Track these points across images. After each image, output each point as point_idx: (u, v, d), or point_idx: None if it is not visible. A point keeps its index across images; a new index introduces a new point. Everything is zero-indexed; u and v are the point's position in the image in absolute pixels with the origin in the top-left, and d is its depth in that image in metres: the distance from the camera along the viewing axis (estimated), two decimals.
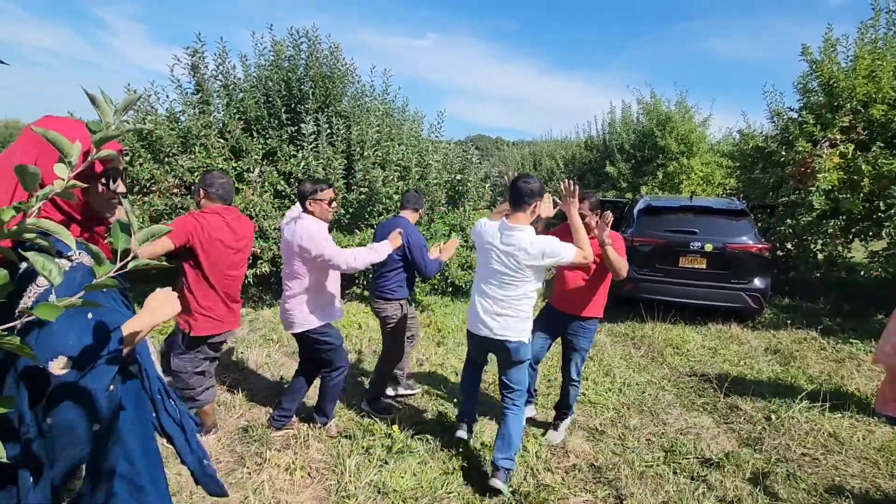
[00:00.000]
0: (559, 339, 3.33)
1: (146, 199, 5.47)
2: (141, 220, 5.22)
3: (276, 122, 6.56)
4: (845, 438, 3.36)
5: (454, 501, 2.55)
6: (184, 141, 5.97)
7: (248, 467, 2.76)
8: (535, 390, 3.71)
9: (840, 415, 3.63)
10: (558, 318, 3.23)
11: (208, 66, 6.55)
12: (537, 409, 3.69)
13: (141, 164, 5.58)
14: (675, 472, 2.92)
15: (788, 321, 6.09)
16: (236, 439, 3.03)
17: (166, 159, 5.74)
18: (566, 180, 2.73)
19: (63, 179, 1.01)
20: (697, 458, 3.10)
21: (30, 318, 0.77)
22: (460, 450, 3.01)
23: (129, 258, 0.92)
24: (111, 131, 1.03)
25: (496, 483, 2.56)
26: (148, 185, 5.55)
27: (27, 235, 0.99)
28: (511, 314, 2.58)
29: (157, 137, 5.71)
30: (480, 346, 2.79)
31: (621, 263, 2.94)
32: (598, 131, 18.06)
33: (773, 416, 3.65)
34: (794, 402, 3.76)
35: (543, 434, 3.31)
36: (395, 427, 3.15)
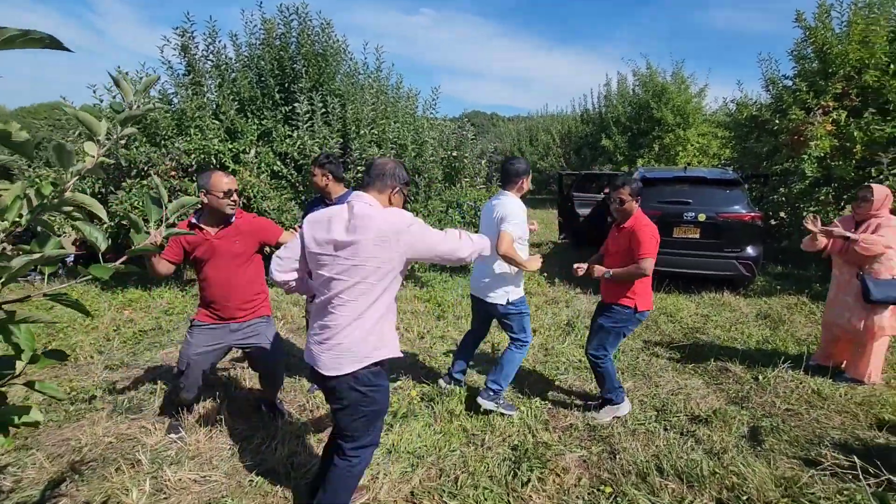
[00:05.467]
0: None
1: (144, 182, 5.52)
2: (140, 203, 5.28)
3: (270, 102, 6.56)
4: (828, 394, 3.53)
5: (457, 459, 2.71)
6: (178, 123, 5.98)
7: (261, 435, 2.91)
8: (621, 386, 3.32)
9: (824, 374, 3.80)
10: (598, 307, 3.31)
11: (198, 46, 6.52)
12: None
13: (137, 148, 5.61)
14: (665, 429, 3.08)
15: (779, 287, 6.26)
16: (250, 410, 3.17)
17: (162, 142, 5.77)
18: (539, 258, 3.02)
19: (94, 157, 1.09)
20: (687, 415, 3.27)
21: (86, 277, 0.87)
22: (459, 414, 3.18)
23: (160, 228, 1.01)
24: (134, 111, 1.11)
25: (480, 400, 3.13)
26: (145, 168, 5.58)
27: (65, 208, 1.08)
28: (494, 276, 3.05)
29: (153, 120, 5.73)
30: (475, 306, 3.29)
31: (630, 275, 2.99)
32: (594, 104, 17.98)
33: (760, 377, 3.82)
34: (780, 362, 3.93)
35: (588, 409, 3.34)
36: (413, 392, 3.45)
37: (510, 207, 2.94)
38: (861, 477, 2.47)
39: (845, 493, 2.46)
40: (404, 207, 2.05)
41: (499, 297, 3.06)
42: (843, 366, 3.85)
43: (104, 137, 1.09)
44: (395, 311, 2.06)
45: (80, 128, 6.17)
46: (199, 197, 2.46)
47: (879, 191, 3.53)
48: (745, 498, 2.42)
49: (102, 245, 0.91)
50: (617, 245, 3.13)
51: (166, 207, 1.01)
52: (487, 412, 3.18)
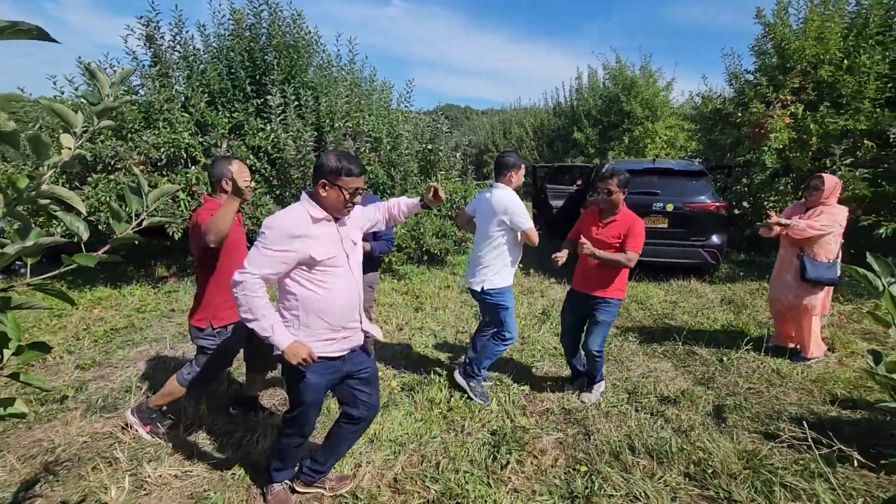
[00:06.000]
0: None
1: (111, 177, 5.35)
2: (108, 198, 5.13)
3: (242, 94, 6.44)
4: (786, 373, 3.74)
5: (438, 445, 2.77)
6: (146, 116, 5.82)
7: (242, 429, 2.90)
8: (580, 368, 3.55)
9: (782, 355, 4.02)
10: (578, 299, 3.37)
11: (164, 36, 6.33)
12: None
13: (103, 142, 5.42)
14: (636, 410, 3.22)
15: (742, 274, 6.54)
16: (229, 405, 3.15)
17: (129, 135, 5.60)
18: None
19: (71, 149, 1.09)
20: (657, 396, 3.42)
21: (70, 266, 0.88)
22: (440, 402, 3.24)
23: (141, 218, 1.02)
24: (112, 102, 1.11)
25: (455, 374, 3.39)
26: (112, 162, 5.41)
27: (42, 201, 1.08)
28: (480, 264, 3.18)
29: (118, 113, 5.54)
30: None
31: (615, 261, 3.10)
32: (566, 98, 18.19)
33: (724, 359, 4.01)
34: (743, 344, 4.13)
35: (576, 393, 3.46)
36: (394, 382, 3.50)
37: (508, 198, 3.06)
38: (814, 447, 2.64)
39: (801, 462, 2.64)
40: (345, 201, 1.98)
41: (475, 283, 3.20)
42: (798, 346, 4.08)
43: (81, 130, 1.08)
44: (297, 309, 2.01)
45: (41, 120, 5.93)
46: (178, 186, 2.40)
47: (830, 180, 3.74)
48: (710, 471, 2.56)
49: (84, 235, 0.92)
50: (603, 236, 3.17)
51: (146, 198, 1.02)
52: (467, 397, 3.27)
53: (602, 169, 6.98)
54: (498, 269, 3.15)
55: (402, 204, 2.43)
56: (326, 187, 1.95)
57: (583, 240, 3.08)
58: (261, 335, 1.89)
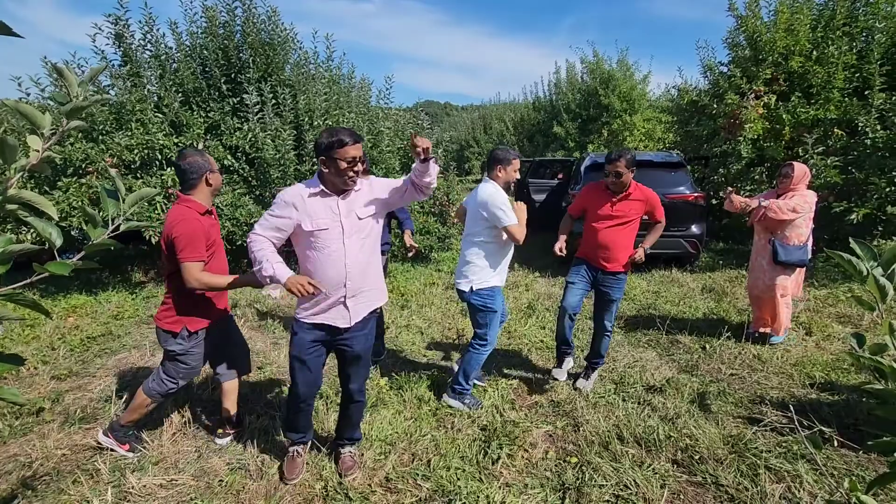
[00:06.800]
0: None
1: (83, 180, 5.17)
2: (80, 202, 4.96)
3: (217, 93, 6.29)
4: (767, 358, 3.83)
5: (427, 443, 2.76)
6: (117, 117, 5.64)
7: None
8: (572, 342, 3.58)
9: (763, 341, 4.12)
10: (589, 270, 3.38)
11: (134, 34, 6.13)
12: (574, 360, 3.78)
13: (73, 144, 5.24)
14: (623, 400, 3.26)
15: (721, 262, 6.68)
16: (214, 409, 3.09)
17: (100, 137, 5.42)
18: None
19: (39, 151, 1.04)
20: (643, 386, 3.47)
21: (42, 275, 0.83)
22: (429, 400, 3.23)
23: (118, 223, 0.98)
24: (80, 102, 1.06)
25: (445, 398, 3.20)
26: (83, 165, 5.23)
27: (10, 206, 1.03)
28: (465, 263, 3.07)
29: (88, 114, 5.36)
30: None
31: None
32: (545, 92, 18.29)
33: (707, 346, 4.09)
34: (724, 331, 4.22)
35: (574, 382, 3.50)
36: (382, 381, 3.46)
37: (487, 192, 2.91)
38: (797, 430, 2.72)
39: (784, 444, 2.70)
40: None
41: (463, 283, 3.05)
42: (771, 329, 4.18)
43: (49, 131, 1.03)
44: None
45: (6, 123, 5.70)
46: (156, 190, 2.30)
47: (799, 168, 3.84)
48: (697, 457, 2.61)
49: (58, 241, 0.88)
50: (619, 210, 3.23)
51: (123, 202, 0.97)
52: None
53: (583, 163, 7.06)
54: (482, 268, 3.00)
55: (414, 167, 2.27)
56: (325, 163, 2.07)
57: (638, 253, 3.22)
58: (264, 274, 2.04)
